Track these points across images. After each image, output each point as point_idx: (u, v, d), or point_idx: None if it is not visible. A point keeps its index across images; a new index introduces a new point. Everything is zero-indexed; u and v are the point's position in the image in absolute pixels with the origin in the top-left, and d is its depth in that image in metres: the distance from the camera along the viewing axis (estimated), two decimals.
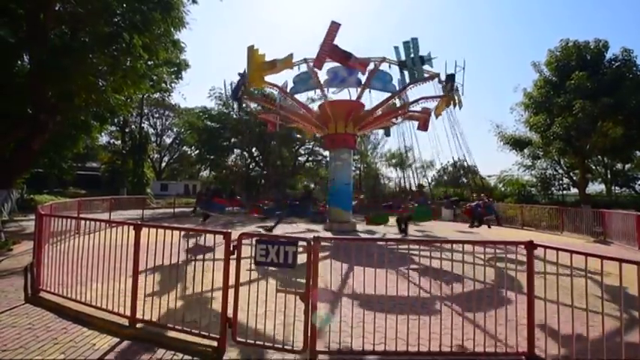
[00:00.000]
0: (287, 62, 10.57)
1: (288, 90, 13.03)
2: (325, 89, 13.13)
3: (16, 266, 6.13)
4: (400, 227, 11.25)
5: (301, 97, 15.02)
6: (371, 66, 11.71)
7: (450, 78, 11.21)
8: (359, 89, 12.84)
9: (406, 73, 11.24)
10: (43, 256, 4.74)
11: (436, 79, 11.74)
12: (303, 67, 11.96)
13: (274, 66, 10.54)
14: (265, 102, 15.47)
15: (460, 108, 11.77)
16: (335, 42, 9.60)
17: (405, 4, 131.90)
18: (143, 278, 3.75)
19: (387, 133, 15.95)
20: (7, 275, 5.59)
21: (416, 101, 12.52)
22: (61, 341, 3.28)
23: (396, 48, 10.99)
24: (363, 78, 12.45)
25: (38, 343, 3.24)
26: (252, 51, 10.72)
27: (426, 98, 12.27)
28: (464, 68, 11.18)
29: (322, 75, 12.55)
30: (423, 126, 13.57)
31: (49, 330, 3.52)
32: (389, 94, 12.92)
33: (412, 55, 10.69)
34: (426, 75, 11.40)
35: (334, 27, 9.47)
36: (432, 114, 13.02)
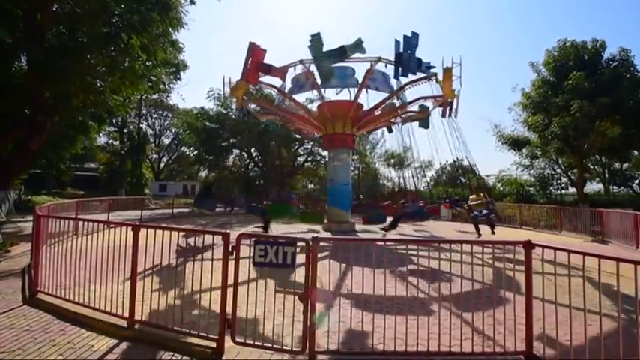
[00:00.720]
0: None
1: (286, 90, 13.03)
2: (323, 90, 13.15)
3: (13, 268, 6.11)
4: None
5: (300, 97, 15.05)
6: (367, 65, 11.73)
7: (448, 70, 11.00)
8: (356, 89, 12.82)
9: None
10: (41, 258, 4.72)
11: (432, 78, 11.73)
12: (299, 68, 12.00)
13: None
14: (264, 103, 15.48)
15: (456, 117, 11.74)
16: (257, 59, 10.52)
17: (404, 4, 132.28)
18: (141, 279, 3.74)
19: (390, 130, 15.66)
20: (4, 277, 5.57)
21: (414, 101, 12.55)
22: (59, 343, 3.27)
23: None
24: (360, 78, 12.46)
25: (36, 344, 3.23)
26: (254, 47, 10.73)
27: (425, 97, 12.28)
28: (460, 64, 11.10)
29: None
30: (446, 113, 12.48)
31: (47, 331, 3.51)
32: (387, 94, 12.93)
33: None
34: (421, 75, 11.38)
35: (254, 47, 10.51)
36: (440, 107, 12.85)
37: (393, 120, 14.29)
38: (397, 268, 5.40)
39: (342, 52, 10.36)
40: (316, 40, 10.21)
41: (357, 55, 11.02)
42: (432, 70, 11.57)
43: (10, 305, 4.27)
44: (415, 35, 10.68)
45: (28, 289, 4.74)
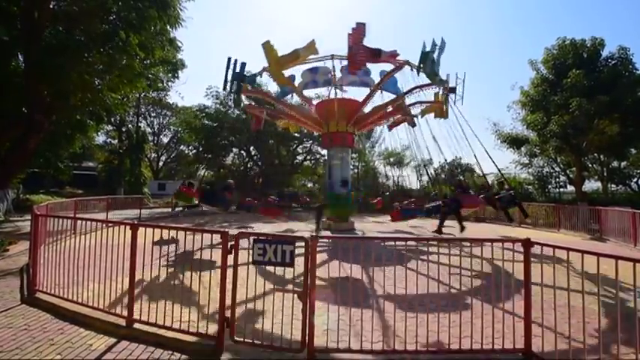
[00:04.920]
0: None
1: (296, 84, 12.88)
2: (335, 87, 13.05)
3: (12, 267, 6.09)
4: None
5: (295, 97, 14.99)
6: (387, 67, 11.36)
7: (452, 90, 11.06)
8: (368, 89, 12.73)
9: (421, 73, 10.68)
10: (39, 257, 4.71)
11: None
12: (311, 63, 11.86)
13: (297, 57, 9.56)
14: (264, 95, 15.38)
15: (462, 103, 11.60)
16: (363, 42, 9.20)
17: (404, 3, 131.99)
18: (140, 278, 3.73)
19: (413, 124, 14.07)
20: (2, 276, 5.55)
21: (412, 105, 12.55)
22: (58, 342, 3.26)
23: (424, 44, 10.24)
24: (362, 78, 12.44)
25: (34, 343, 3.22)
26: (268, 47, 9.69)
27: (421, 87, 11.86)
28: (464, 80, 11.03)
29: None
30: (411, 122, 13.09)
31: (45, 331, 3.50)
32: (393, 95, 12.93)
33: (434, 57, 10.12)
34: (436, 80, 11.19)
35: (360, 29, 9.18)
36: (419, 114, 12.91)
37: (395, 117, 14.26)
38: (396, 266, 5.40)
39: (435, 72, 10.02)
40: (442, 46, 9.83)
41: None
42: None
43: (8, 304, 4.25)
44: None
45: (27, 289, 4.73)
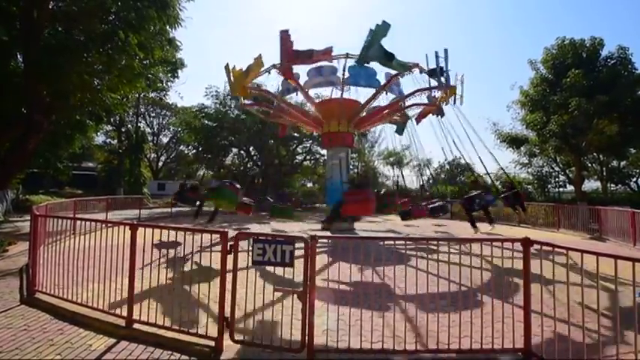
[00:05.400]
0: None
1: (302, 83, 12.89)
2: (341, 87, 13.07)
3: (11, 267, 6.08)
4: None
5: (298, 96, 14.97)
6: (392, 71, 11.56)
7: (432, 72, 10.93)
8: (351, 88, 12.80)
9: (434, 80, 11.01)
10: (39, 257, 4.70)
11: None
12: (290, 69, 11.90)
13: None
14: (263, 100, 15.40)
15: (462, 104, 11.57)
16: (292, 47, 9.79)
17: (403, 3, 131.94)
18: (139, 278, 3.73)
19: (441, 113, 13.83)
20: (2, 276, 5.54)
21: (410, 106, 12.58)
22: (57, 342, 3.26)
23: (427, 56, 10.80)
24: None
25: (34, 344, 3.22)
26: (228, 69, 10.87)
27: (421, 90, 11.99)
28: (462, 82, 11.06)
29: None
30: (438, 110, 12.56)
31: (45, 331, 3.50)
32: (393, 96, 12.98)
33: (442, 67, 10.56)
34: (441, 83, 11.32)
35: (285, 35, 9.77)
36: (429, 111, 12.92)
37: (396, 117, 14.25)
38: (396, 266, 5.41)
39: (390, 58, 9.97)
40: (383, 30, 9.61)
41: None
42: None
43: (8, 305, 4.25)
44: (445, 51, 10.69)
45: (26, 289, 4.72)
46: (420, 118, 13.77)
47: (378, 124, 15.84)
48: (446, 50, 10.66)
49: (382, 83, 12.51)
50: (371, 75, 12.55)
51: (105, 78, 10.61)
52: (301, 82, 12.86)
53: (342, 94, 12.41)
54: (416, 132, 14.45)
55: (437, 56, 10.54)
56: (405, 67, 10.65)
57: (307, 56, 9.89)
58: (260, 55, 10.34)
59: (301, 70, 12.84)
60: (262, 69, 11.04)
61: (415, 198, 13.84)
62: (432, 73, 10.83)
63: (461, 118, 13.59)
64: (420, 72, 11.48)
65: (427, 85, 11.93)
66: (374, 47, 9.69)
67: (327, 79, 12.87)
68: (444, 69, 10.55)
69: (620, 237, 10.12)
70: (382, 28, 9.51)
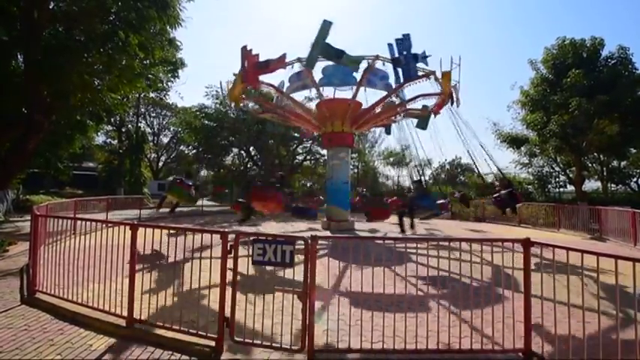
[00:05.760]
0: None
1: (284, 89, 12.98)
2: (321, 88, 13.13)
3: (12, 267, 6.09)
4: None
5: (298, 96, 14.99)
6: (364, 64, 11.62)
7: (397, 61, 10.87)
8: (354, 88, 12.79)
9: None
10: (39, 257, 4.71)
11: (431, 77, 11.71)
12: (297, 67, 11.94)
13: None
14: (263, 101, 15.42)
15: (458, 105, 11.65)
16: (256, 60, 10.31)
17: (403, 2, 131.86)
18: (140, 278, 3.73)
19: (388, 131, 15.75)
20: (2, 276, 5.55)
21: (413, 99, 12.52)
22: (58, 342, 3.26)
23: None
24: (358, 76, 12.40)
25: (34, 344, 3.22)
26: (245, 52, 10.61)
27: (424, 95, 12.26)
28: (459, 65, 11.10)
29: (317, 74, 12.52)
30: (438, 107, 12.68)
31: (45, 331, 3.50)
32: (385, 92, 12.91)
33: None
34: (420, 73, 11.35)
35: (246, 51, 10.36)
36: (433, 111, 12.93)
37: (393, 118, 14.25)
38: (396, 266, 5.41)
39: (339, 55, 10.07)
40: (325, 28, 9.74)
41: (358, 52, 10.92)
42: (429, 67, 11.52)
43: (8, 305, 4.25)
44: (407, 36, 10.48)
45: (26, 289, 4.72)
46: (437, 110, 13.23)
47: (378, 125, 15.83)
48: (405, 36, 10.48)
49: (382, 83, 12.54)
50: (346, 74, 12.49)
51: (105, 78, 10.61)
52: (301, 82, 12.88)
53: (321, 94, 12.48)
54: (413, 133, 14.35)
55: (398, 43, 10.41)
56: (359, 61, 10.46)
57: (265, 66, 10.32)
58: (285, 54, 10.39)
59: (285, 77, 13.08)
60: (281, 66, 10.80)
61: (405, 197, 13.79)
62: (396, 62, 10.67)
63: (460, 120, 13.41)
64: (383, 63, 11.43)
65: (429, 88, 12.01)
66: (319, 47, 9.85)
67: (304, 83, 12.78)
68: (407, 57, 10.43)
69: (620, 237, 10.12)
70: (325, 27, 9.64)
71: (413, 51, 10.66)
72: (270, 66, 10.40)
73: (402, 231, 10.06)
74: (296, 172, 30.43)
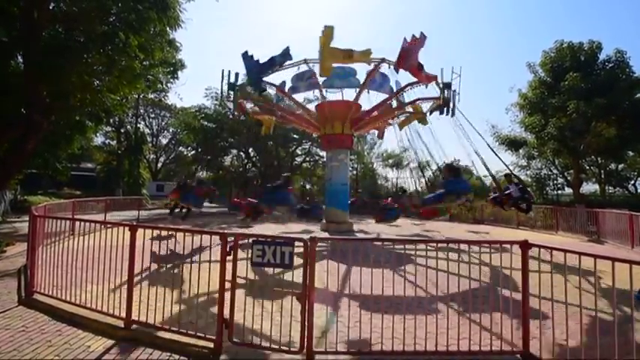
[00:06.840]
0: (365, 55, 10.29)
1: (286, 89, 13.00)
2: (324, 90, 13.18)
3: (9, 268, 6.07)
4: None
5: (298, 97, 15.02)
6: (370, 67, 11.70)
7: (447, 86, 11.12)
8: (355, 89, 12.86)
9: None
10: (37, 258, 4.69)
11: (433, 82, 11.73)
12: (306, 67, 12.02)
13: (350, 56, 9.96)
14: (262, 102, 15.43)
15: (452, 115, 11.61)
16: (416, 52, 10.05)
17: (403, 3, 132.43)
18: (138, 279, 3.72)
19: (380, 137, 16.04)
20: (0, 277, 5.53)
21: (412, 102, 12.57)
22: (55, 343, 3.25)
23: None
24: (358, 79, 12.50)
25: (32, 345, 3.21)
26: (328, 33, 9.38)
27: (422, 100, 12.32)
28: (460, 75, 11.16)
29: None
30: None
31: (43, 332, 3.49)
32: (385, 95, 12.98)
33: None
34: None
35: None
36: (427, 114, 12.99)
37: (390, 121, 14.31)
38: (395, 267, 5.41)
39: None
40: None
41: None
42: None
43: (6, 306, 4.24)
44: (423, 36, 10.22)
45: (24, 290, 4.70)
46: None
47: (377, 126, 15.87)
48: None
49: (390, 87, 12.66)
50: (348, 74, 12.58)
51: (105, 79, 10.59)
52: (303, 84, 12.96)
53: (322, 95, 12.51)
54: (412, 133, 14.41)
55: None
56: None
57: (419, 68, 10.18)
58: (370, 49, 10.37)
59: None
60: (365, 60, 10.80)
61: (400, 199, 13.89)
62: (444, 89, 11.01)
63: (461, 121, 13.49)
64: (389, 66, 11.53)
65: (429, 91, 12.05)
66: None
67: (306, 83, 12.98)
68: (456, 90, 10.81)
69: (618, 239, 10.15)
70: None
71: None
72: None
73: None
74: (295, 173, 30.44)
